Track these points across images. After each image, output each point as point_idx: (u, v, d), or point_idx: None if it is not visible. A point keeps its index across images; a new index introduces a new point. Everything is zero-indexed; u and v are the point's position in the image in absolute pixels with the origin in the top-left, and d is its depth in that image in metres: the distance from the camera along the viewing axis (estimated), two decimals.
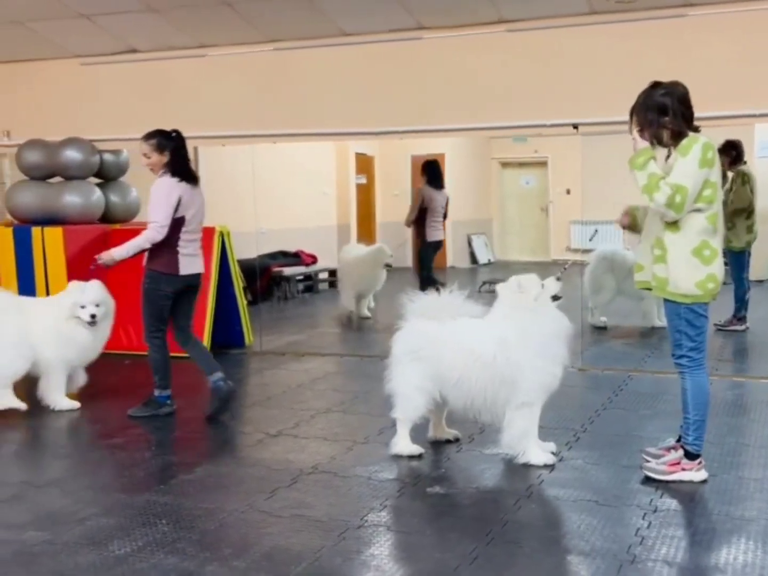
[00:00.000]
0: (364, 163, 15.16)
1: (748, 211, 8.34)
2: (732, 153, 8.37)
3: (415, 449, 4.76)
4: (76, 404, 5.99)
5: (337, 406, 6.02)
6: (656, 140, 4.16)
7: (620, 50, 6.95)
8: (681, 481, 4.22)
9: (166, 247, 5.49)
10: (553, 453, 4.66)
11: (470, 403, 4.61)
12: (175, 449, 5.26)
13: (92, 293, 5.87)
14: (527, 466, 4.52)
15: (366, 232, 15.14)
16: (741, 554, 3.45)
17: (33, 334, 5.87)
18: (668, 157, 4.18)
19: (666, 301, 4.23)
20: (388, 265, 9.90)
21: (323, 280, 13.31)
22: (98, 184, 8.61)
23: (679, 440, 4.35)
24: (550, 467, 4.51)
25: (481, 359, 4.52)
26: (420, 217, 9.62)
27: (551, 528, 3.87)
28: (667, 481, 4.23)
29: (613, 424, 5.43)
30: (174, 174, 5.51)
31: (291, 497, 4.21)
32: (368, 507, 4.04)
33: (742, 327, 8.40)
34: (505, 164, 17.76)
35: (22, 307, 6.07)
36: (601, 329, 8.66)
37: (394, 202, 15.35)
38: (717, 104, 6.62)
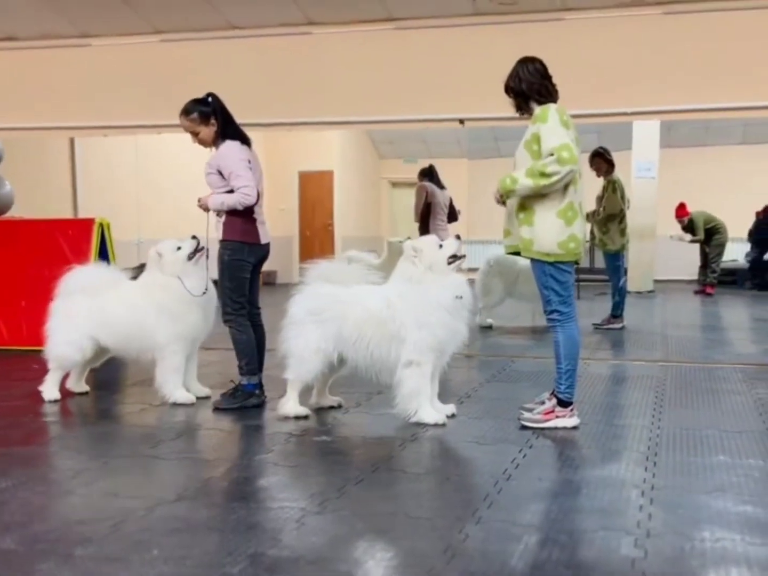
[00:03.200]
0: None
1: (620, 217, 9.11)
2: (609, 159, 9.10)
3: (302, 410, 5.02)
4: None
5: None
6: (520, 109, 4.74)
7: (503, 49, 7.48)
8: (556, 428, 4.64)
9: (244, 215, 5.18)
10: (453, 414, 4.95)
11: (369, 361, 4.89)
12: (60, 412, 5.32)
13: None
14: (417, 424, 4.77)
15: None
16: (605, 472, 3.88)
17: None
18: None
19: (532, 261, 4.66)
20: None
21: None
22: None
23: (552, 393, 4.77)
24: (441, 426, 4.76)
25: (374, 317, 4.84)
26: (425, 214, 9.48)
27: (434, 460, 4.23)
28: (543, 428, 4.64)
29: (494, 392, 5.85)
30: (233, 138, 5.22)
31: (176, 446, 4.41)
32: (254, 451, 4.30)
33: (619, 325, 9.07)
34: (395, 184, 18.41)
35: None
36: (487, 329, 9.14)
37: (280, 217, 15.64)
38: (592, 102, 7.32)
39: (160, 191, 12.45)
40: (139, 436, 4.71)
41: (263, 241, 5.35)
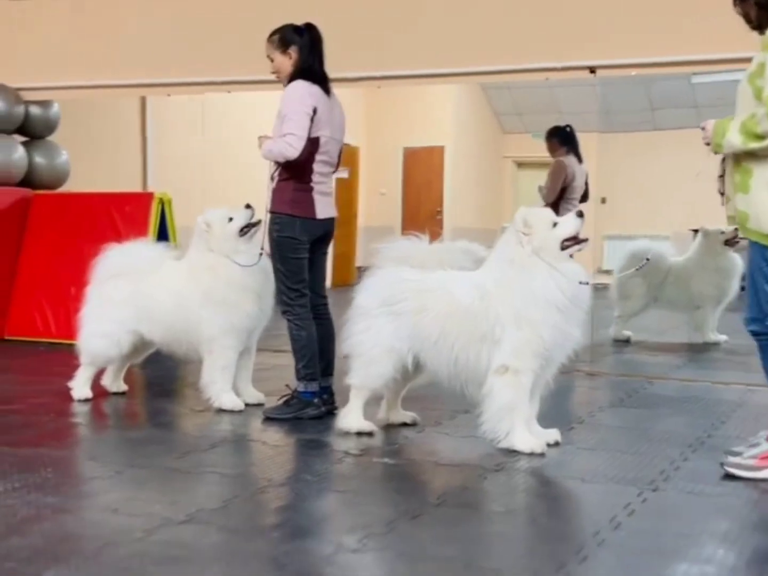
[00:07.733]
0: (347, 155, 15.35)
1: None
2: None
3: (367, 425, 4.82)
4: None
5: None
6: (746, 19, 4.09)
7: None
8: None
9: (297, 181, 5.11)
10: (556, 442, 4.62)
11: (453, 366, 4.61)
12: (86, 413, 5.40)
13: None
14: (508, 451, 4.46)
15: (345, 236, 15.30)
16: (759, 530, 3.51)
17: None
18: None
19: (750, 243, 4.11)
20: None
21: None
22: (23, 143, 8.71)
23: None
24: (538, 456, 4.43)
25: (462, 310, 4.56)
26: (557, 198, 8.71)
27: (521, 497, 3.96)
28: (757, 480, 4.06)
29: (618, 418, 5.54)
30: (305, 77, 5.10)
31: (206, 459, 4.34)
32: (297, 470, 4.21)
33: None
34: (521, 164, 18.06)
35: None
36: (623, 342, 8.72)
37: (380, 203, 15.58)
38: None
39: (230, 167, 12.32)
40: (166, 443, 4.68)
41: (321, 215, 5.18)
